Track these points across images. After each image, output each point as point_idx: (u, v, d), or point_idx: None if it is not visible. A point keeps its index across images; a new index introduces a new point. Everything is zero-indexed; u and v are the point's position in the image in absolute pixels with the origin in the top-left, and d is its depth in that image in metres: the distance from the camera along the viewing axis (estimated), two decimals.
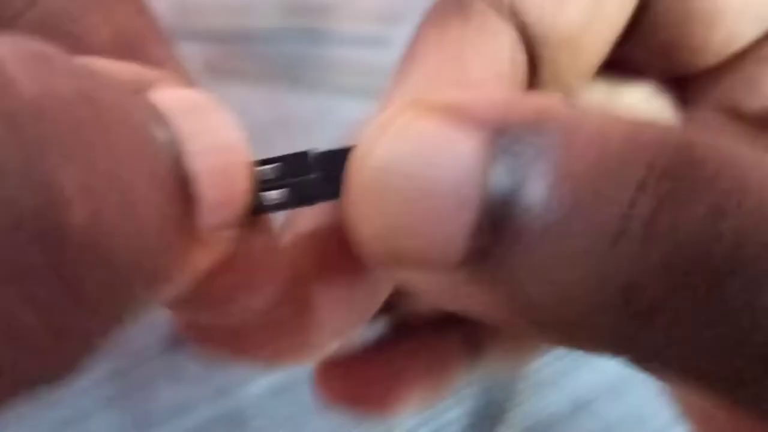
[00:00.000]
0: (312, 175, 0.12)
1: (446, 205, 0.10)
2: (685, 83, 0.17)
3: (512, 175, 0.09)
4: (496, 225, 0.10)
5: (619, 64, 0.15)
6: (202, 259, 0.10)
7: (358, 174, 0.11)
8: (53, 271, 0.07)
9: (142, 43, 0.13)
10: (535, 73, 0.13)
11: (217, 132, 0.10)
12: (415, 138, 0.10)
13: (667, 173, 0.09)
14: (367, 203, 0.10)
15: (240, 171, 0.10)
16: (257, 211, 0.12)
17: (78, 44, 0.12)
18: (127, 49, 0.13)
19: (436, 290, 0.11)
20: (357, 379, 0.18)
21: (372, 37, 0.36)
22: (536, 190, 0.09)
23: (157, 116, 0.09)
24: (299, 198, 0.12)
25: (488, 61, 0.12)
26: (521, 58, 0.13)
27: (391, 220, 0.10)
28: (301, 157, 0.12)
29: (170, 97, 0.10)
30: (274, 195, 0.12)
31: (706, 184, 0.09)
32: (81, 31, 0.12)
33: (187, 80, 0.13)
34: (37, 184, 0.07)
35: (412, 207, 0.10)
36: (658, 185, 0.09)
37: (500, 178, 0.09)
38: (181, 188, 0.09)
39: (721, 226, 0.09)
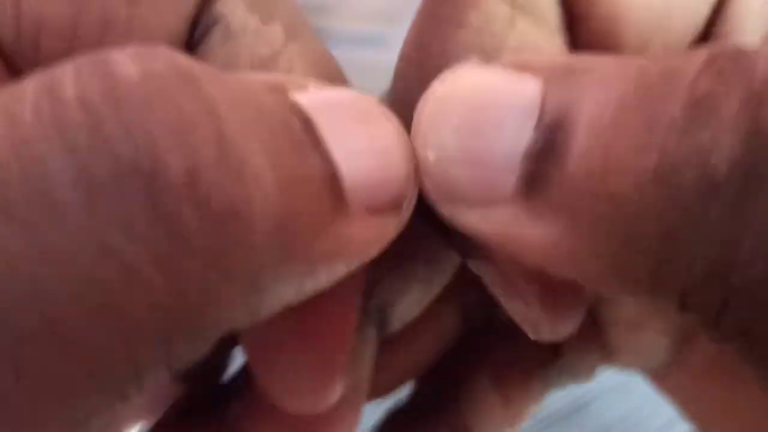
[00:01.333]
0: None
1: (502, 126, 0.10)
2: None
3: (566, 104, 0.10)
4: (551, 148, 0.10)
5: None
6: (366, 236, 0.11)
7: (422, 107, 0.11)
8: (153, 211, 0.08)
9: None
10: None
11: (360, 132, 0.11)
12: (475, 76, 0.11)
13: (713, 87, 0.09)
14: (427, 131, 0.11)
15: (386, 163, 0.11)
16: None
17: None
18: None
19: (493, 229, 0.11)
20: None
21: (372, 37, 0.36)
22: (589, 112, 0.09)
23: (296, 109, 0.10)
24: None
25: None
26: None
27: (447, 145, 0.11)
28: None
29: (312, 95, 0.10)
30: None
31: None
32: None
33: (331, 77, 0.13)
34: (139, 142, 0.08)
35: (469, 131, 0.10)
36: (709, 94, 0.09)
37: (553, 105, 0.10)
38: (325, 167, 0.10)
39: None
